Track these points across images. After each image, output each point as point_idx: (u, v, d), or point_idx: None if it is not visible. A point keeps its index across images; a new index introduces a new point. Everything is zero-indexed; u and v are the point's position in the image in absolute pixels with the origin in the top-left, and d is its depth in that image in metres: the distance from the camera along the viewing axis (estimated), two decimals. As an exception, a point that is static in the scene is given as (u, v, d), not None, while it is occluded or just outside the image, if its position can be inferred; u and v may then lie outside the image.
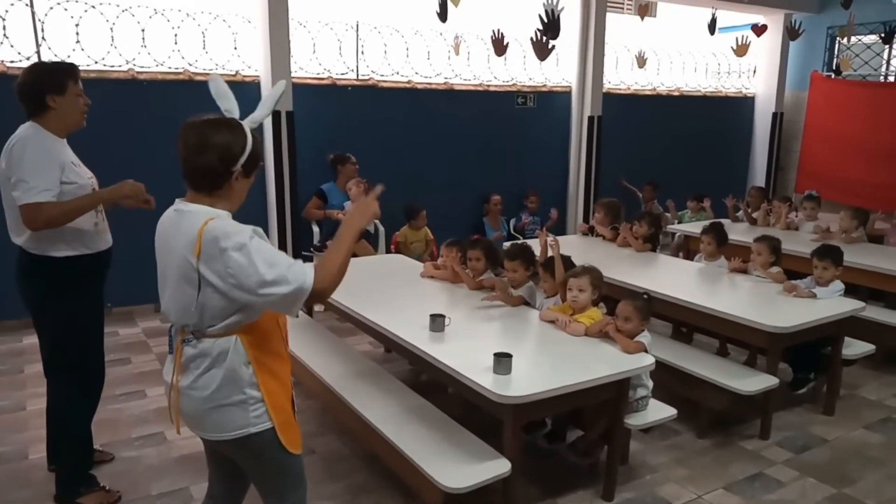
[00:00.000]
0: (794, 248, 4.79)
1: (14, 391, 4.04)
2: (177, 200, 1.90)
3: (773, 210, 6.12)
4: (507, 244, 5.02)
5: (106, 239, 2.88)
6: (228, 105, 1.95)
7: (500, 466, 2.56)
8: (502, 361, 2.63)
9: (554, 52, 5.97)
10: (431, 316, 3.12)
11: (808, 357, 3.97)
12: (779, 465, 3.35)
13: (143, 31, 5.21)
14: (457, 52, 6.43)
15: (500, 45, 5.93)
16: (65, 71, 2.71)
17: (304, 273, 1.75)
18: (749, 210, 6.27)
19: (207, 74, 5.47)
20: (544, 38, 5.40)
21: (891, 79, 8.29)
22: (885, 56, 8.27)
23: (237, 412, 1.85)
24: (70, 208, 2.60)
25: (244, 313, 1.83)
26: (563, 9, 5.24)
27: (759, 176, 9.07)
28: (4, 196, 2.67)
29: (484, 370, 2.66)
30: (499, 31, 5.91)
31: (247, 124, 1.91)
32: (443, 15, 4.89)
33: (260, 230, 1.83)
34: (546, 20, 5.16)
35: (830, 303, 3.79)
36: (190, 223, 1.79)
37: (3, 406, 3.85)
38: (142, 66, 5.26)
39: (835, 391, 3.93)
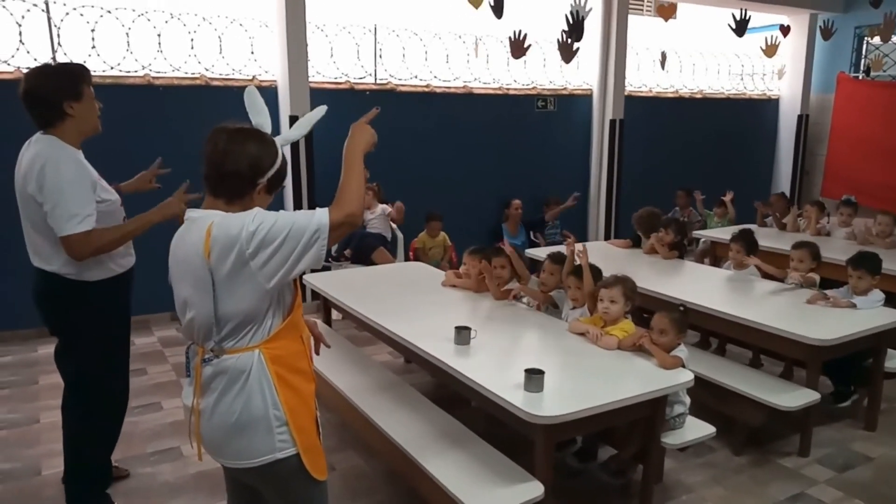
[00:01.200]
0: (828, 255, 4.60)
1: (27, 403, 3.96)
2: (187, 211, 1.81)
3: (804, 215, 5.94)
4: (529, 251, 4.91)
5: (133, 253, 2.77)
6: (262, 120, 1.90)
7: (532, 490, 2.41)
8: (533, 378, 2.50)
9: (576, 54, 5.87)
10: (457, 328, 3.00)
11: (847, 369, 3.80)
12: (821, 485, 3.18)
13: (158, 35, 5.14)
14: (476, 55, 6.30)
15: (519, 47, 5.80)
16: (78, 73, 2.53)
17: (318, 211, 1.73)
18: (778, 216, 6.08)
19: (224, 79, 5.42)
20: (569, 39, 5.28)
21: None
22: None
23: (261, 436, 1.75)
24: (120, 235, 2.52)
25: (263, 316, 1.74)
26: (591, 9, 5.12)
27: (783, 180, 8.87)
28: (26, 217, 2.52)
29: (513, 387, 2.53)
30: (519, 32, 5.78)
31: (279, 141, 1.85)
32: (498, 10, 4.77)
33: None
34: (571, 22, 5.04)
35: (872, 313, 3.61)
36: (198, 227, 1.72)
37: (15, 419, 3.76)
38: (158, 72, 5.19)
39: (876, 405, 3.75)
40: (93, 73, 5.04)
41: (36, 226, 2.49)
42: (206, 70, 5.35)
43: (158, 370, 4.46)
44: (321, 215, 1.71)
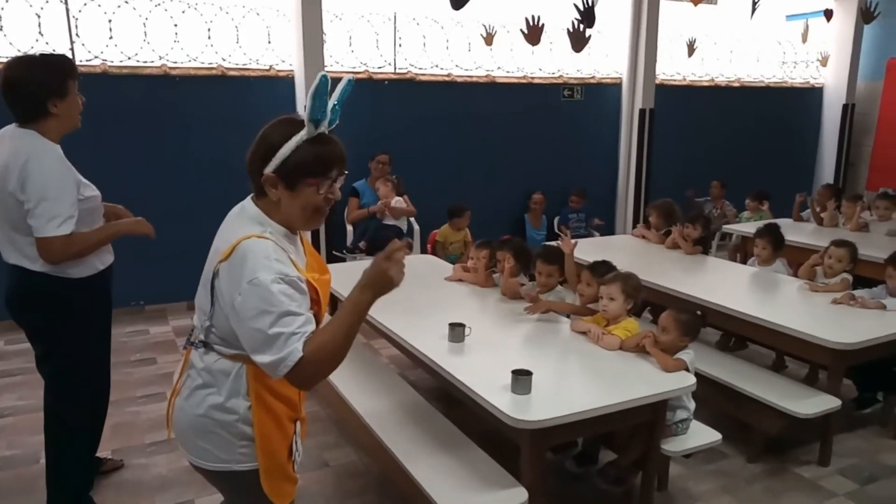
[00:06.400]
0: (866, 253, 4.32)
1: (36, 390, 3.96)
2: (247, 198, 1.71)
3: (843, 210, 5.62)
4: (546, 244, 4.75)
5: (111, 250, 2.72)
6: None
7: (515, 496, 2.30)
8: (520, 380, 2.38)
9: (597, 42, 5.67)
10: (451, 325, 2.89)
11: (875, 374, 3.56)
12: (840, 498, 2.98)
13: (175, 25, 5.13)
14: (488, 44, 6.11)
15: (535, 34, 5.61)
16: (64, 69, 2.40)
17: (295, 350, 1.49)
18: (818, 209, 5.77)
19: (241, 69, 5.40)
20: (581, 27, 5.10)
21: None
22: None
23: (222, 444, 1.67)
24: (95, 241, 2.49)
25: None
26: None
27: (827, 172, 8.47)
28: (3, 216, 2.42)
29: (501, 388, 2.41)
30: (536, 17, 5.59)
31: (306, 128, 1.60)
32: (456, 3, 4.56)
33: (295, 280, 1.55)
34: (582, 9, 4.87)
35: (904, 315, 3.38)
36: (239, 227, 1.61)
37: (22, 406, 3.81)
38: (174, 62, 5.19)
39: (907, 414, 3.52)
40: (110, 64, 5.09)
41: (16, 225, 2.39)
42: (223, 60, 5.33)
43: (168, 359, 4.46)
44: (295, 353, 1.49)
